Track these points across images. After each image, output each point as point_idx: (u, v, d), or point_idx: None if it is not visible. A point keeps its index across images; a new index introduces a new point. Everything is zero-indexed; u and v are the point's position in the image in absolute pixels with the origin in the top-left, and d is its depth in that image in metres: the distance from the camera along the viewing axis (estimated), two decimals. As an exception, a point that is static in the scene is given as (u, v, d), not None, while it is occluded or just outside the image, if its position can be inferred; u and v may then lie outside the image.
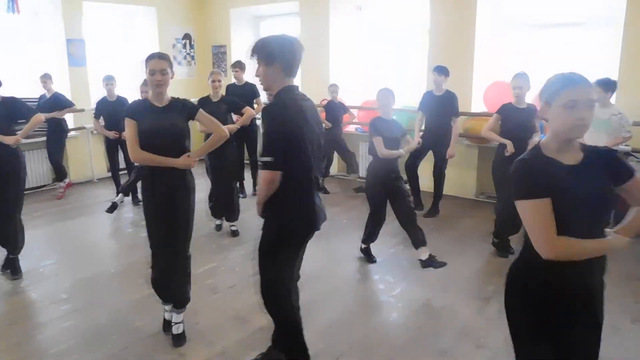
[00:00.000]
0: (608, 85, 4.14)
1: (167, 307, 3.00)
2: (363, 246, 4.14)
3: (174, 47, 8.16)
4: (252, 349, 2.82)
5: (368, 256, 4.12)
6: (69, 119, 6.57)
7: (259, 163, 2.13)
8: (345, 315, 3.22)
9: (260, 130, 2.29)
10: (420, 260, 3.91)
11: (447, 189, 6.01)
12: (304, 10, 7.15)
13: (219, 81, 4.59)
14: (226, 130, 2.99)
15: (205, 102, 4.49)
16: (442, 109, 5.09)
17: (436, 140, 5.10)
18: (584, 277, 1.57)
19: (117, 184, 5.94)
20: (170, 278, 2.86)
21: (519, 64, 5.83)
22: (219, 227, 4.88)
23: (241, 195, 5.96)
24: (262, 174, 2.17)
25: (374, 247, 4.17)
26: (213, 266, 4.01)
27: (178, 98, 2.87)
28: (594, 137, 4.28)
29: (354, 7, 7.07)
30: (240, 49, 8.23)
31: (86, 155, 6.99)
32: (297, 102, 2.20)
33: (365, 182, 4.10)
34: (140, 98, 5.26)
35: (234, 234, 4.73)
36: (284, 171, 2.16)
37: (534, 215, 1.48)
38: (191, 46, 8.44)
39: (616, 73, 4.75)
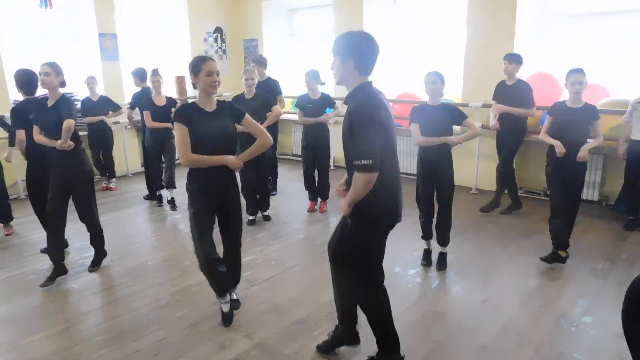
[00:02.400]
0: None
1: (223, 300, 3.04)
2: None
3: (205, 41, 8.22)
4: (290, 341, 2.84)
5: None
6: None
7: (355, 164, 2.11)
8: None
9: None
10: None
11: (486, 184, 5.89)
12: (337, 2, 7.08)
13: (252, 79, 4.65)
14: (270, 137, 3.00)
15: (239, 100, 4.65)
16: (512, 99, 4.86)
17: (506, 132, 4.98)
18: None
19: (150, 180, 5.88)
20: (230, 262, 3.04)
21: (561, 55, 5.67)
22: (251, 222, 4.95)
23: (273, 193, 6.00)
24: (359, 176, 2.13)
25: (413, 240, 4.11)
26: (250, 259, 4.03)
27: (224, 101, 2.93)
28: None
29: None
30: (272, 42, 8.23)
31: (120, 150, 7.13)
32: (379, 100, 2.23)
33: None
34: (151, 88, 5.40)
35: (267, 218, 5.07)
36: (382, 179, 2.19)
37: None
38: (222, 40, 8.48)
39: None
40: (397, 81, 7.04)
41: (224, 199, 2.91)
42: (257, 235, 4.60)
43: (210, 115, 2.79)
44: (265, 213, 5.11)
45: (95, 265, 3.92)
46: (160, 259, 4.12)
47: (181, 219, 5.14)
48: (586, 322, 2.99)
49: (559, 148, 3.70)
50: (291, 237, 4.58)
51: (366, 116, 2.13)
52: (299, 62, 8.28)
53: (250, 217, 4.97)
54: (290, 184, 6.48)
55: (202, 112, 2.78)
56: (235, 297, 3.20)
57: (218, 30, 8.38)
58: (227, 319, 3.04)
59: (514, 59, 4.86)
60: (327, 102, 5.12)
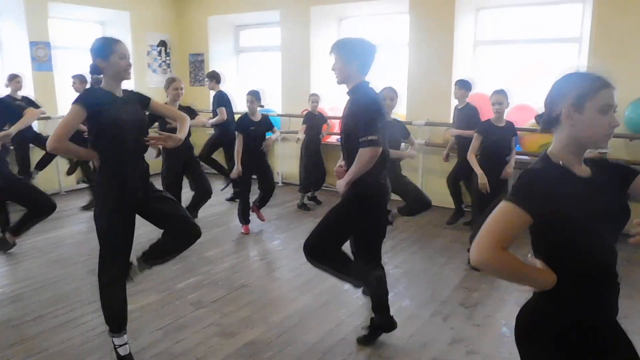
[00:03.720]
0: None
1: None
2: None
3: (148, 55, 8.00)
4: (243, 362, 2.75)
5: None
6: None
7: (362, 140, 2.41)
8: (334, 327, 3.17)
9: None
10: None
11: (431, 199, 6.07)
12: (284, 20, 7.15)
13: (182, 88, 4.49)
14: (184, 114, 2.84)
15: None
16: (463, 122, 5.09)
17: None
18: (611, 308, 1.42)
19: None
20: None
21: (496, 77, 6.03)
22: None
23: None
24: (364, 152, 2.43)
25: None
26: (197, 280, 3.89)
27: (126, 89, 2.64)
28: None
29: (335, 18, 7.12)
30: (218, 57, 8.14)
31: (53, 166, 6.63)
32: (380, 99, 2.63)
33: None
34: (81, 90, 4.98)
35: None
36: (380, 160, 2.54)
37: (504, 219, 1.30)
38: (167, 54, 8.30)
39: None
40: (344, 99, 7.14)
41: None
42: (204, 254, 4.46)
43: (122, 100, 2.52)
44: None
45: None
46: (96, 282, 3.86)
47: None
48: (527, 331, 3.13)
49: (482, 179, 3.95)
50: (240, 255, 4.49)
51: (373, 104, 2.50)
52: (246, 79, 8.27)
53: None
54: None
55: (113, 96, 2.47)
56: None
57: (162, 43, 8.20)
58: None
59: (464, 85, 5.12)
60: (268, 125, 5.01)
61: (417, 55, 6.11)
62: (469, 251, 4.13)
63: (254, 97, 4.88)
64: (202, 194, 4.77)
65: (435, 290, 3.72)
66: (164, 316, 3.27)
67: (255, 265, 4.30)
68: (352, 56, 2.49)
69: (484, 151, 4.07)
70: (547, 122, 1.43)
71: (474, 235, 4.20)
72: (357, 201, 2.62)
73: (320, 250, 2.73)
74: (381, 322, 2.90)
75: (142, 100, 2.68)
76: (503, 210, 1.31)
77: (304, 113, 6.24)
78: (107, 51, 2.44)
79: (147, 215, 2.66)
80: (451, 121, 5.66)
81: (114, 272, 2.55)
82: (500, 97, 4.04)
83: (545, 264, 1.39)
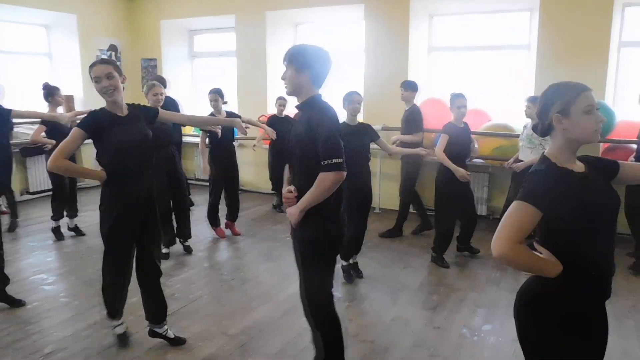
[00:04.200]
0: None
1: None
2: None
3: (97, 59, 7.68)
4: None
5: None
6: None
7: (324, 164, 2.11)
8: (296, 337, 3.11)
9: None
10: None
11: (389, 204, 6.12)
12: (240, 25, 7.06)
13: (161, 94, 4.29)
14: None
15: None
16: (407, 124, 5.16)
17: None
18: (605, 296, 1.59)
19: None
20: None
21: (449, 83, 6.18)
22: (166, 256, 4.42)
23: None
24: (327, 177, 2.12)
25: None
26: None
27: (134, 104, 2.78)
28: (525, 153, 4.59)
29: (291, 23, 7.09)
30: (172, 63, 7.93)
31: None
32: (333, 109, 2.30)
33: None
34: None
35: (188, 250, 4.65)
36: None
37: (519, 217, 1.46)
38: (117, 59, 7.99)
39: (532, 92, 5.10)
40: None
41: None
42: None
43: (123, 120, 2.61)
44: (187, 243, 4.66)
45: None
46: (47, 298, 3.65)
47: (83, 247, 4.66)
48: (486, 330, 3.19)
49: (460, 172, 4.09)
50: (195, 266, 4.34)
51: (329, 120, 2.20)
52: (201, 84, 8.09)
53: (165, 250, 4.39)
54: (196, 209, 6.19)
55: (115, 117, 2.59)
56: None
57: (112, 48, 7.89)
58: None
59: (409, 86, 5.16)
60: None
61: (373, 61, 6.17)
62: (433, 250, 4.40)
63: (217, 95, 4.76)
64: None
65: (395, 295, 3.73)
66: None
67: (212, 275, 4.17)
68: (304, 66, 2.21)
69: (452, 152, 4.17)
70: (543, 130, 1.63)
71: (437, 236, 4.34)
72: (320, 233, 2.27)
73: (323, 309, 2.39)
74: None
75: (148, 115, 2.80)
76: (517, 209, 1.47)
77: (263, 119, 6.16)
78: (90, 76, 2.56)
79: (139, 235, 2.78)
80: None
81: (110, 278, 2.79)
82: (465, 100, 4.21)
83: (552, 253, 1.56)
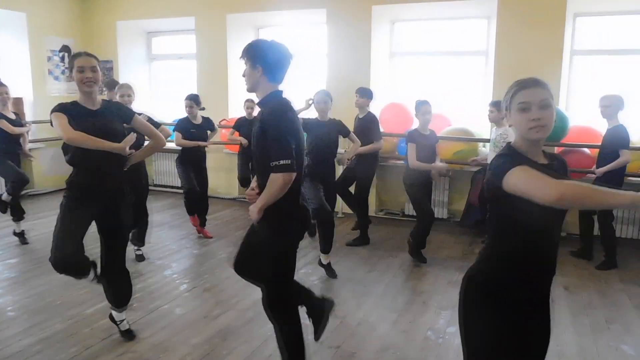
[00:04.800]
0: (500, 106, 4.56)
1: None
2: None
3: (49, 60, 7.34)
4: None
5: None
6: None
7: (273, 165, 2.14)
8: (261, 345, 3.04)
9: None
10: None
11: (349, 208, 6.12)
12: (200, 27, 6.92)
13: (129, 96, 4.17)
14: (163, 139, 2.97)
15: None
16: (364, 132, 4.89)
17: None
18: (540, 284, 1.65)
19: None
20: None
21: (410, 87, 6.28)
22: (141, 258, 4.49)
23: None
24: (276, 178, 2.15)
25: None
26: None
27: (110, 100, 2.85)
28: (490, 156, 4.70)
29: (253, 27, 7.01)
30: (129, 65, 7.68)
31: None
32: (290, 106, 2.32)
33: None
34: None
35: (140, 258, 4.48)
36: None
37: (528, 172, 1.42)
38: (70, 60, 7.66)
39: (490, 97, 5.24)
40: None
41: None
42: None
43: (93, 113, 2.64)
44: (139, 252, 4.50)
45: None
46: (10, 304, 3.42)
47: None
48: (451, 332, 3.21)
49: (435, 168, 4.30)
50: (154, 274, 4.18)
51: (281, 119, 2.19)
52: (159, 88, 7.90)
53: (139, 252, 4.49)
54: (154, 216, 5.98)
55: (84, 109, 2.63)
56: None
57: (65, 49, 7.56)
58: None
59: (365, 94, 4.98)
60: (210, 126, 5.01)
61: (336, 65, 6.18)
62: (408, 243, 4.50)
63: (193, 101, 4.82)
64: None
65: (360, 299, 3.72)
66: (70, 347, 2.93)
67: (172, 284, 4.03)
68: (257, 60, 2.22)
69: (421, 159, 4.23)
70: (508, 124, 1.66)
71: (414, 232, 4.45)
72: (280, 232, 2.32)
73: (282, 303, 2.43)
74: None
75: (123, 114, 2.79)
76: (518, 174, 1.43)
77: (223, 123, 6.06)
78: (70, 65, 2.64)
79: (100, 232, 2.83)
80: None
81: (57, 256, 2.60)
82: (430, 107, 4.29)
83: (495, 236, 1.65)
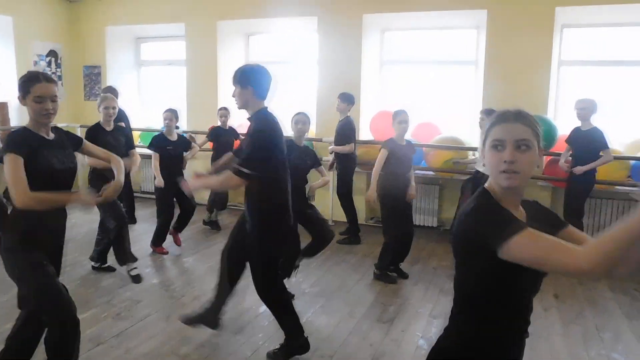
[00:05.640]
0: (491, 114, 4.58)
1: None
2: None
3: (35, 65, 7.23)
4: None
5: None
6: None
7: (237, 166, 2.49)
8: (251, 355, 2.99)
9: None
10: None
11: (340, 216, 6.11)
12: (190, 34, 6.88)
13: (113, 108, 4.07)
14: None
15: (97, 131, 4.02)
16: (340, 136, 5.31)
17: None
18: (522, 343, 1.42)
19: None
20: None
21: (400, 96, 6.31)
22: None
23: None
24: (231, 178, 2.51)
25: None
26: (94, 312, 3.47)
27: (57, 127, 2.36)
28: (479, 165, 4.71)
29: (243, 34, 7.00)
30: (117, 71, 7.61)
31: None
32: (277, 123, 2.69)
33: None
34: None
35: (136, 280, 4.07)
36: (275, 188, 2.68)
37: (538, 241, 1.17)
38: (58, 65, 7.57)
39: (480, 107, 5.27)
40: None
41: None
42: (101, 284, 4.03)
43: (51, 143, 2.24)
44: (133, 272, 4.09)
45: None
46: None
47: None
48: (442, 341, 3.19)
49: (372, 194, 4.04)
50: (143, 283, 4.09)
51: (265, 135, 2.58)
52: (148, 94, 7.84)
53: (95, 264, 4.27)
54: (138, 224, 5.90)
55: (42, 140, 2.21)
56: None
57: (52, 53, 7.46)
58: None
59: (346, 99, 5.26)
60: (186, 144, 4.84)
61: (326, 73, 6.18)
62: (375, 266, 4.29)
63: (174, 115, 4.67)
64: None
65: (352, 308, 3.68)
66: (53, 358, 2.84)
67: (160, 292, 3.95)
68: (246, 82, 2.60)
69: (390, 168, 4.06)
70: None
71: (383, 249, 4.23)
72: (263, 231, 2.71)
73: (273, 291, 2.85)
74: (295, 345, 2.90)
75: (74, 143, 2.43)
76: (531, 239, 1.18)
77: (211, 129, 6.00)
78: (24, 90, 2.16)
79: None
80: (359, 137, 5.81)
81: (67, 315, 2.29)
82: (407, 116, 4.12)
83: (473, 300, 1.37)
